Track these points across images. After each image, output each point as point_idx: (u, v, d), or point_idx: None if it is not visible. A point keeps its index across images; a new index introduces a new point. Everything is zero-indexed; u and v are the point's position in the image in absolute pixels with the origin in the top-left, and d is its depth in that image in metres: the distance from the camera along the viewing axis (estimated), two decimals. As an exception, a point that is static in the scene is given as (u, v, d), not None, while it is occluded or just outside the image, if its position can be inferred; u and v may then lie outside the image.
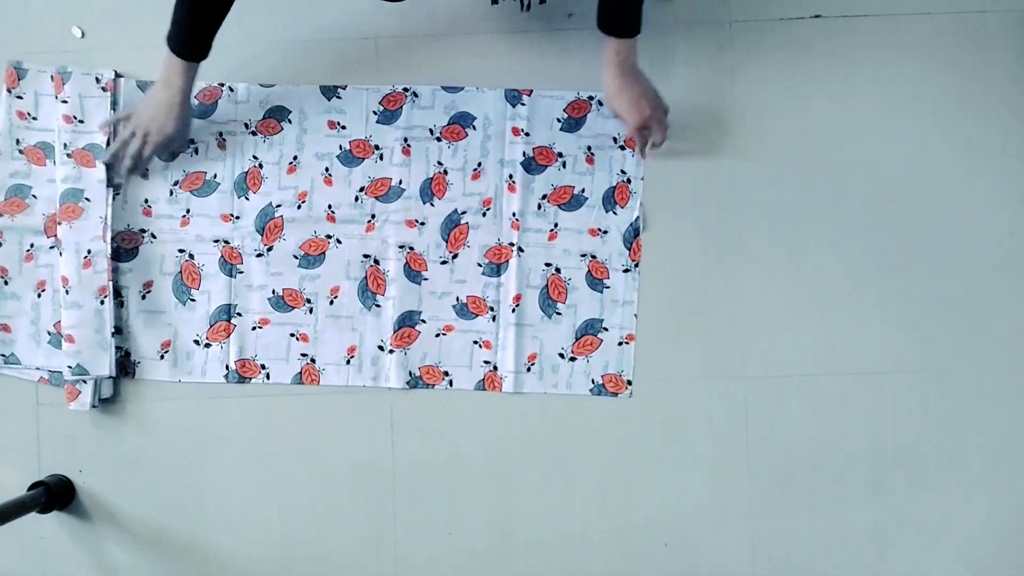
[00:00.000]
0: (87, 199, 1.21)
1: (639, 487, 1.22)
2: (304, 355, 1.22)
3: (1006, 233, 1.22)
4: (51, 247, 1.23)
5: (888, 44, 1.23)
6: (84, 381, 1.20)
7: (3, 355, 1.23)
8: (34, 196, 1.23)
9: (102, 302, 1.20)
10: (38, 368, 1.23)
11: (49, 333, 1.23)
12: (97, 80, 1.23)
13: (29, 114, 1.24)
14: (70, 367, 1.19)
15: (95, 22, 1.25)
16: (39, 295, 1.23)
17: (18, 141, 1.24)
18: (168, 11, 1.24)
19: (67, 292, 1.19)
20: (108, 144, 1.21)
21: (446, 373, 1.22)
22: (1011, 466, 1.21)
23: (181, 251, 1.23)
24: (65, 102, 1.21)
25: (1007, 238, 1.22)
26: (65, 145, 1.21)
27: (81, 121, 1.22)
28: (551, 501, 1.22)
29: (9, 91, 1.23)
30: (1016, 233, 1.22)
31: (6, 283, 1.23)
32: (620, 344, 1.22)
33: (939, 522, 1.21)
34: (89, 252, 1.20)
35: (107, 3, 1.25)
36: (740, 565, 1.22)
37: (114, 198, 1.21)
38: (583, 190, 1.23)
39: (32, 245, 1.23)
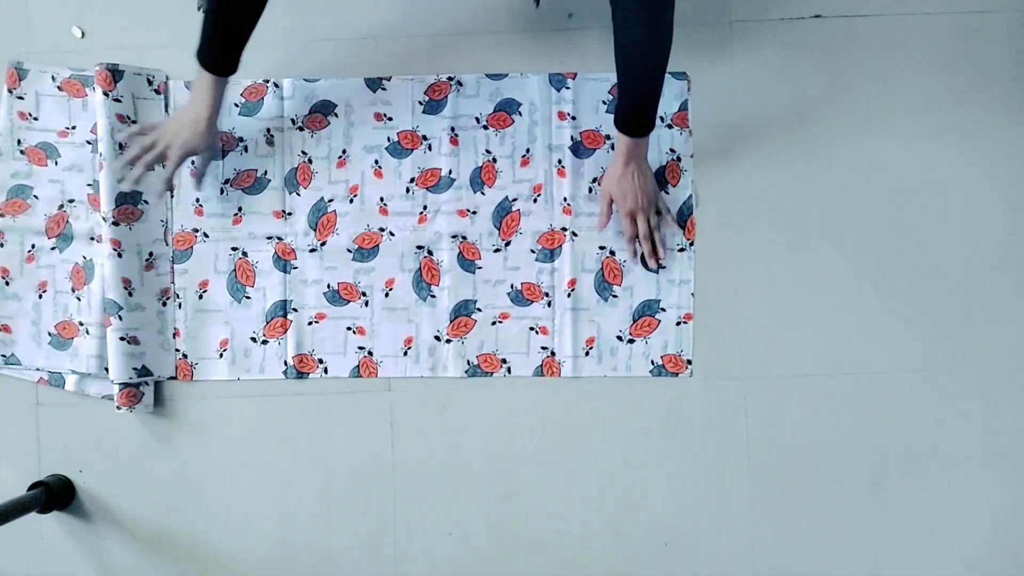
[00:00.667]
0: (146, 202, 1.21)
1: (639, 487, 1.22)
2: (361, 348, 1.22)
3: (1006, 233, 1.22)
4: (52, 248, 1.23)
5: (888, 44, 1.23)
6: (147, 383, 1.21)
7: (3, 355, 1.23)
8: (35, 197, 1.23)
9: (164, 304, 1.22)
10: (38, 369, 1.23)
11: (50, 334, 1.23)
12: (149, 82, 1.23)
13: (30, 114, 1.24)
14: (135, 369, 1.19)
15: (95, 22, 1.25)
16: (40, 296, 1.23)
17: (19, 141, 1.24)
18: (168, 14, 1.25)
19: (130, 294, 1.19)
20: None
21: (504, 360, 1.22)
22: (1011, 466, 1.21)
23: (234, 249, 1.23)
24: (118, 100, 1.20)
25: (1007, 238, 1.22)
26: (120, 145, 1.19)
27: (135, 121, 1.21)
28: (551, 501, 1.22)
29: (10, 91, 1.23)
30: (1016, 233, 1.22)
31: (7, 284, 1.23)
32: (678, 324, 1.21)
33: (939, 522, 1.21)
34: (151, 255, 1.21)
35: (107, 3, 1.25)
36: (740, 565, 1.22)
37: (171, 200, 1.22)
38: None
39: (33, 246, 1.23)
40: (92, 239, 1.22)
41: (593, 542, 1.22)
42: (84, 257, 1.22)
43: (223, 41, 1.07)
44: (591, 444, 1.22)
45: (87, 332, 1.21)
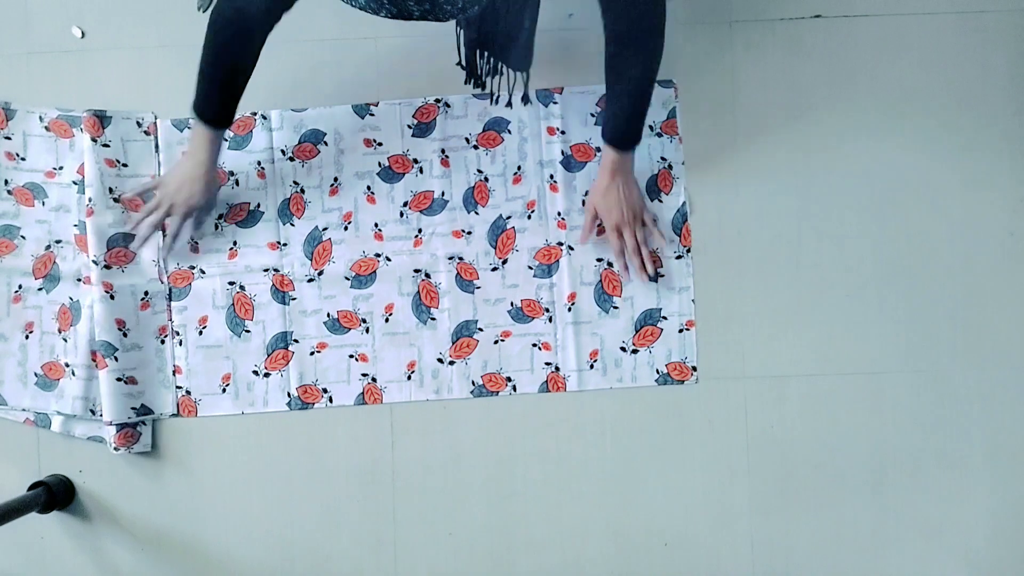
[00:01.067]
0: None
1: (639, 487, 1.22)
2: (365, 375, 1.22)
3: (1006, 233, 1.22)
4: (39, 288, 1.22)
5: (888, 44, 1.23)
6: (144, 423, 1.21)
7: None
8: (23, 237, 1.23)
9: (162, 341, 1.22)
10: (24, 409, 1.22)
11: (36, 375, 1.22)
12: (138, 124, 1.23)
13: (18, 155, 1.23)
14: (134, 408, 1.19)
15: (95, 22, 1.25)
16: (26, 336, 1.22)
17: (7, 182, 1.23)
18: (168, 14, 1.25)
19: (125, 335, 1.19)
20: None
21: (508, 379, 1.22)
22: (1011, 466, 1.21)
23: (231, 283, 1.23)
24: (107, 146, 1.21)
25: (1007, 238, 1.22)
26: (110, 189, 1.20)
27: (125, 165, 1.22)
28: (551, 501, 1.22)
29: None
30: (1016, 233, 1.22)
31: None
32: (680, 331, 1.22)
33: (939, 522, 1.21)
34: (146, 294, 1.21)
35: (107, 3, 1.25)
36: (740, 565, 1.22)
37: (163, 239, 1.22)
38: None
39: (20, 286, 1.22)
40: (79, 280, 1.21)
41: (593, 542, 1.22)
42: (71, 298, 1.22)
43: (220, 94, 1.08)
44: (591, 444, 1.22)
45: (73, 373, 1.20)
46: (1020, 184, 1.22)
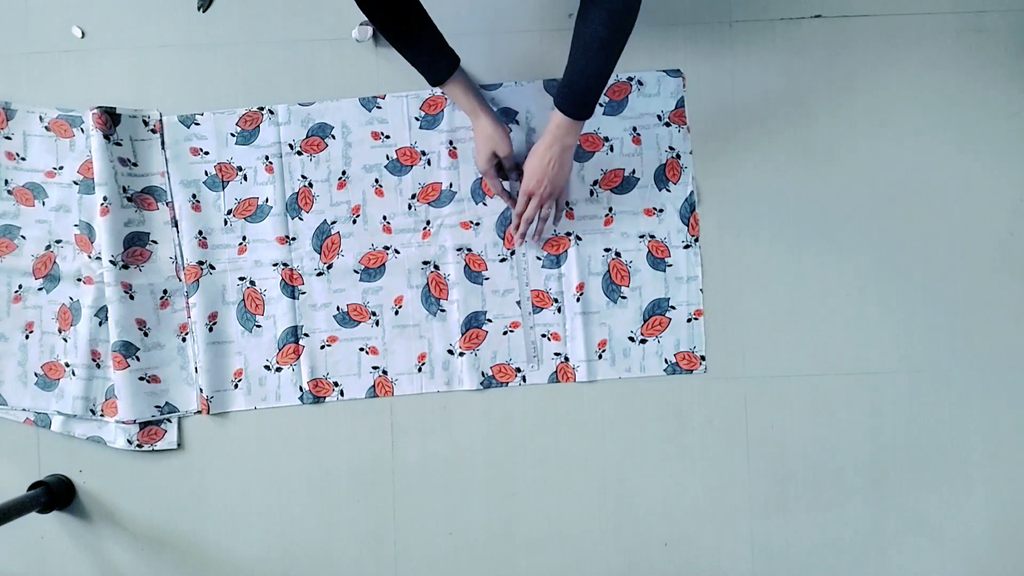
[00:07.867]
0: (154, 241, 1.22)
1: (639, 487, 1.22)
2: (375, 368, 1.22)
3: (1006, 233, 1.22)
4: (39, 288, 1.22)
5: (888, 44, 1.23)
6: (169, 420, 1.21)
7: None
8: (23, 237, 1.23)
9: (183, 339, 1.22)
10: (24, 409, 1.22)
11: (36, 375, 1.22)
12: (145, 122, 1.23)
13: (18, 155, 1.23)
14: (158, 407, 1.20)
15: (95, 22, 1.25)
16: (27, 336, 1.22)
17: (7, 182, 1.23)
18: (168, 14, 1.25)
19: (146, 335, 1.20)
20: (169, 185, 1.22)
21: (518, 370, 1.22)
22: (1011, 466, 1.21)
23: (241, 279, 1.23)
24: (120, 144, 1.21)
25: (1007, 238, 1.22)
26: (124, 189, 1.20)
27: (135, 164, 1.22)
28: (551, 501, 1.22)
29: None
30: (1016, 233, 1.22)
31: None
32: (689, 321, 1.22)
33: (939, 522, 1.21)
34: (165, 292, 1.21)
35: (107, 3, 1.25)
36: (740, 565, 1.22)
37: (178, 236, 1.22)
38: (633, 171, 1.23)
39: (20, 286, 1.23)
40: (79, 280, 1.22)
41: (593, 542, 1.22)
42: (71, 298, 1.22)
43: (426, 55, 1.08)
44: (591, 444, 1.22)
45: (73, 373, 1.21)
46: (1020, 184, 1.22)
